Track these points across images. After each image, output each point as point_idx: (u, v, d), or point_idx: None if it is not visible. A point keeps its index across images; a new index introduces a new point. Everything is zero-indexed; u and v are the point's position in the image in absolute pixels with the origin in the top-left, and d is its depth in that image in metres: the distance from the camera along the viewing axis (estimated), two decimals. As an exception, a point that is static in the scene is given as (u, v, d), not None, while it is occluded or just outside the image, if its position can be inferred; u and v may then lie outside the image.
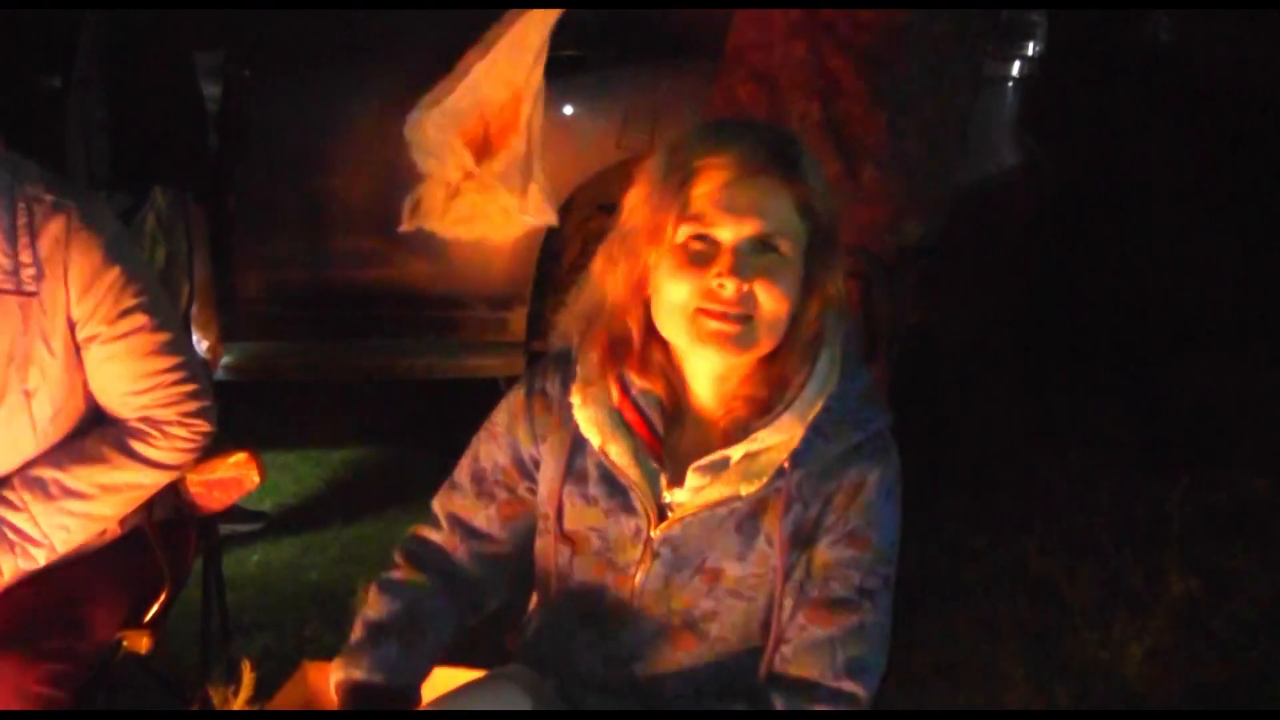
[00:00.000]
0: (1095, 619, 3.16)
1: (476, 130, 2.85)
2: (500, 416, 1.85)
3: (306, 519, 3.93)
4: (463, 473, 1.87)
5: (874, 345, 2.81)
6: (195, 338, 3.78)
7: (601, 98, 3.91)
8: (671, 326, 1.68)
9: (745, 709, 1.73)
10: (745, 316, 1.64)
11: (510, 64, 2.81)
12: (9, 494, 2.08)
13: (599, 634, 1.77)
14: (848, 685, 1.68)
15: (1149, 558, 3.36)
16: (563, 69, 3.66)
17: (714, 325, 1.64)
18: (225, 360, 3.99)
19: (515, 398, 1.84)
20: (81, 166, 3.54)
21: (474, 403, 2.16)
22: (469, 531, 1.85)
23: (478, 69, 2.78)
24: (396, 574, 1.86)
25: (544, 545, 1.81)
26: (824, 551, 1.70)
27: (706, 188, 1.64)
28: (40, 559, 2.09)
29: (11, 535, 2.07)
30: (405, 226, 2.91)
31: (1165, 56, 5.57)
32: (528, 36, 2.78)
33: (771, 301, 1.64)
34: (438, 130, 2.78)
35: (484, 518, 1.85)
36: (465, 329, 4.10)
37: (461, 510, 1.86)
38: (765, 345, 1.67)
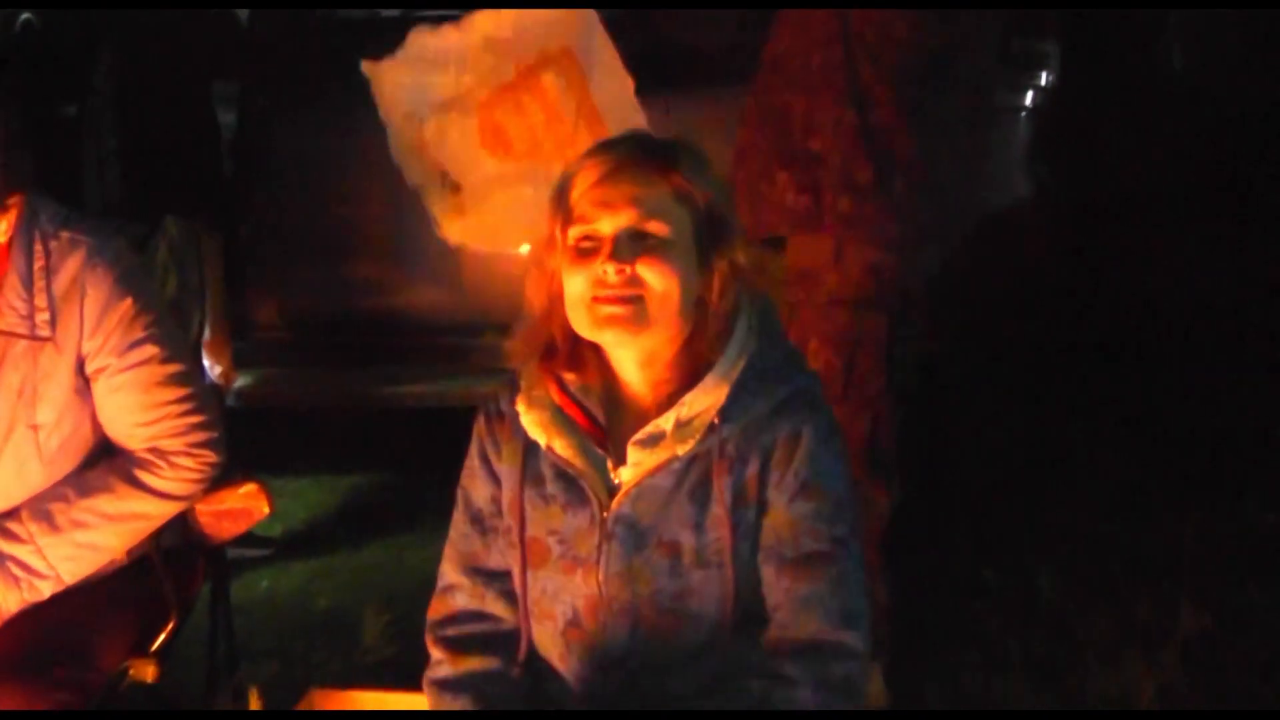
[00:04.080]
0: (1107, 655, 3.13)
1: None
2: (471, 454, 1.90)
3: (316, 545, 3.93)
4: (460, 523, 1.90)
5: (890, 380, 2.80)
6: (208, 364, 3.79)
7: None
8: (577, 320, 1.77)
9: (759, 689, 1.72)
10: (635, 297, 1.73)
11: None
12: (15, 527, 2.09)
13: (581, 639, 1.79)
14: (846, 636, 1.73)
15: (1161, 594, 3.34)
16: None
17: (606, 310, 1.73)
18: (238, 386, 4.01)
19: (477, 428, 1.91)
20: (96, 195, 3.57)
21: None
22: (489, 577, 1.86)
23: None
24: (443, 671, 1.85)
25: (512, 560, 1.84)
26: (784, 511, 1.76)
27: (582, 188, 1.76)
28: (46, 591, 2.09)
29: (16, 570, 2.07)
30: None
31: (1178, 82, 5.54)
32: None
33: (658, 277, 1.73)
34: None
35: (496, 555, 1.86)
36: (478, 356, 4.11)
37: (474, 559, 1.87)
38: (661, 321, 1.74)
